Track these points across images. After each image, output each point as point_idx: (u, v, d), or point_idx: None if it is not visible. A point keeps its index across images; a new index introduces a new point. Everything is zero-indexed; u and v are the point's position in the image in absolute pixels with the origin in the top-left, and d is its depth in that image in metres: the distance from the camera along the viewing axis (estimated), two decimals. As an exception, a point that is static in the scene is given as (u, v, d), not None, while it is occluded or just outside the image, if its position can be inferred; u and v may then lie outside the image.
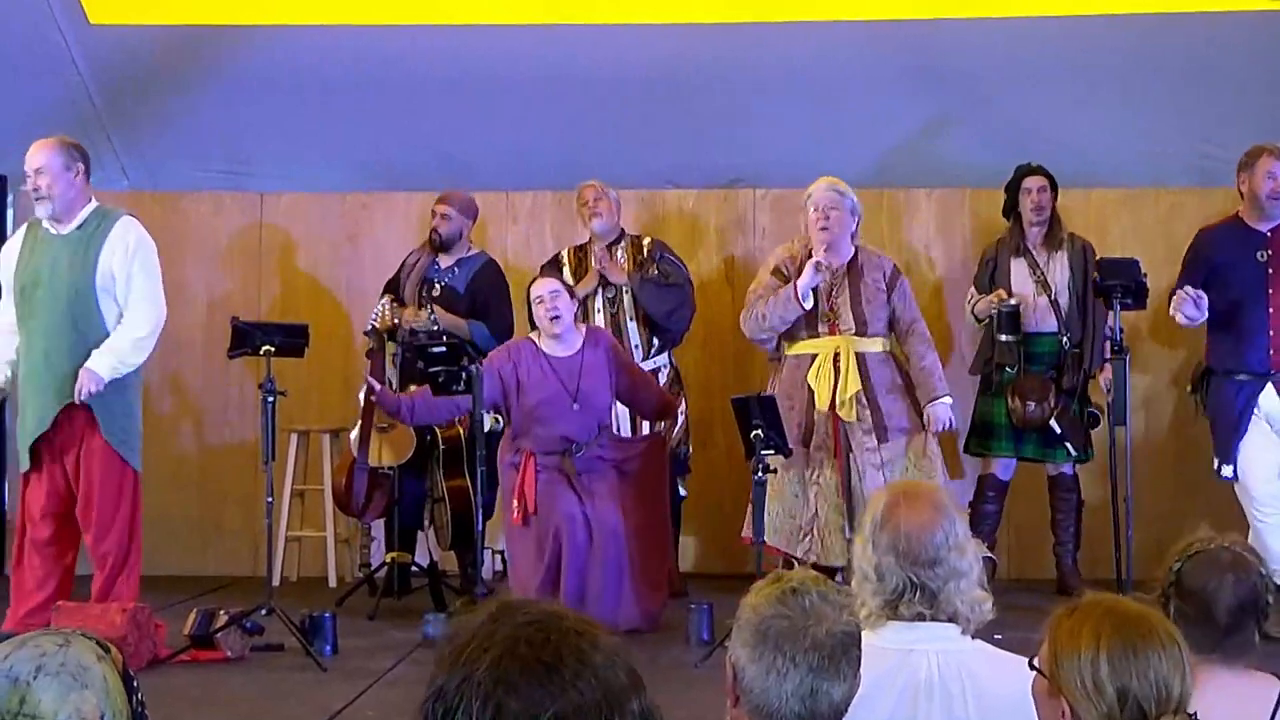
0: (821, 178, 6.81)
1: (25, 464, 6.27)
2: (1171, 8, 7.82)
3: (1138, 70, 7.91)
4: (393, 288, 7.58)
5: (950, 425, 6.69)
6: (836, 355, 6.55)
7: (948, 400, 6.65)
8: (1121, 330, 6.54)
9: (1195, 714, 2.23)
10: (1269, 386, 6.47)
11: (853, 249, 6.73)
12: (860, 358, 6.55)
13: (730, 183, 8.46)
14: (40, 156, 6.24)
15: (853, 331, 6.56)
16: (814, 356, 6.58)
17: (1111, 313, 6.67)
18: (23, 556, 6.30)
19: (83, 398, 6.09)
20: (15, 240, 6.40)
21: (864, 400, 6.51)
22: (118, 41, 8.10)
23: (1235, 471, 6.50)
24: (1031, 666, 2.37)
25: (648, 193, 8.37)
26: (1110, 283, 6.62)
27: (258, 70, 8.13)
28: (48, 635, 1.90)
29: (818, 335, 6.58)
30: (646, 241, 7.64)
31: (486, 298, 7.50)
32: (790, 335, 6.68)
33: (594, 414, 6.61)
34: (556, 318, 6.56)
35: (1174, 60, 7.85)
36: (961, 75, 8.03)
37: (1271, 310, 6.48)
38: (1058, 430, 7.18)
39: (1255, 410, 6.47)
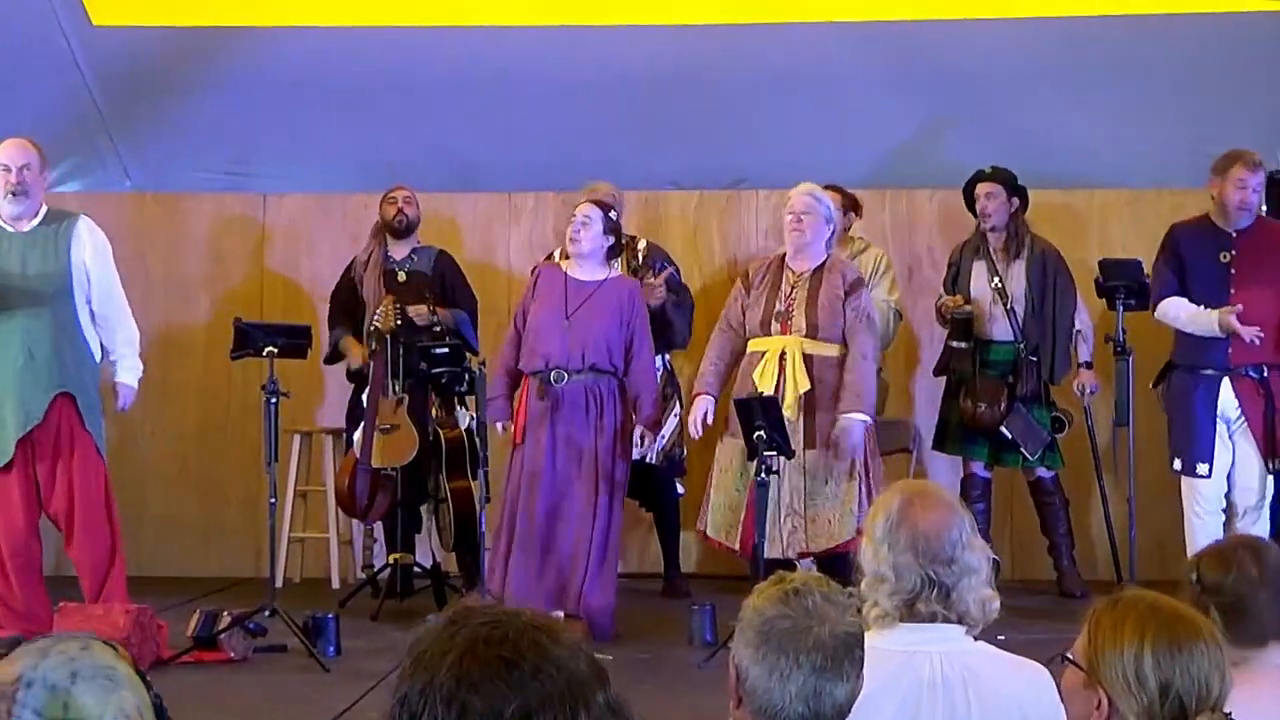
0: (802, 184, 6.79)
1: None
2: (1172, 9, 7.83)
3: (1139, 71, 7.91)
4: (347, 293, 7.54)
5: (852, 451, 6.38)
6: (783, 355, 6.53)
7: (856, 418, 6.38)
8: (1124, 331, 6.55)
9: (1231, 714, 2.24)
10: (1226, 382, 6.50)
11: (825, 255, 6.70)
12: (808, 360, 6.52)
13: (733, 184, 8.45)
14: (24, 154, 6.30)
15: (803, 333, 6.55)
16: (764, 354, 6.57)
17: (1114, 313, 6.68)
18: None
19: (123, 408, 6.46)
20: None
21: (802, 405, 6.49)
22: (121, 43, 8.11)
23: (1210, 470, 6.51)
24: (1065, 659, 2.38)
25: (650, 194, 8.37)
26: (1113, 283, 6.63)
27: (260, 72, 8.13)
28: (65, 640, 1.88)
29: (770, 334, 6.58)
30: (642, 246, 7.60)
31: (455, 281, 7.56)
32: (750, 331, 6.66)
33: (581, 341, 6.46)
34: (575, 242, 6.55)
35: (1176, 61, 7.85)
36: (964, 76, 8.03)
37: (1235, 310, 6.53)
38: (1009, 436, 7.19)
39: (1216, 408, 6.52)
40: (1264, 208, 7.29)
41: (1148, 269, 6.74)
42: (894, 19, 7.92)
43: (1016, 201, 7.38)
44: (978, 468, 7.46)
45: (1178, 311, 6.60)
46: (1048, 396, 7.34)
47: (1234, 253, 6.56)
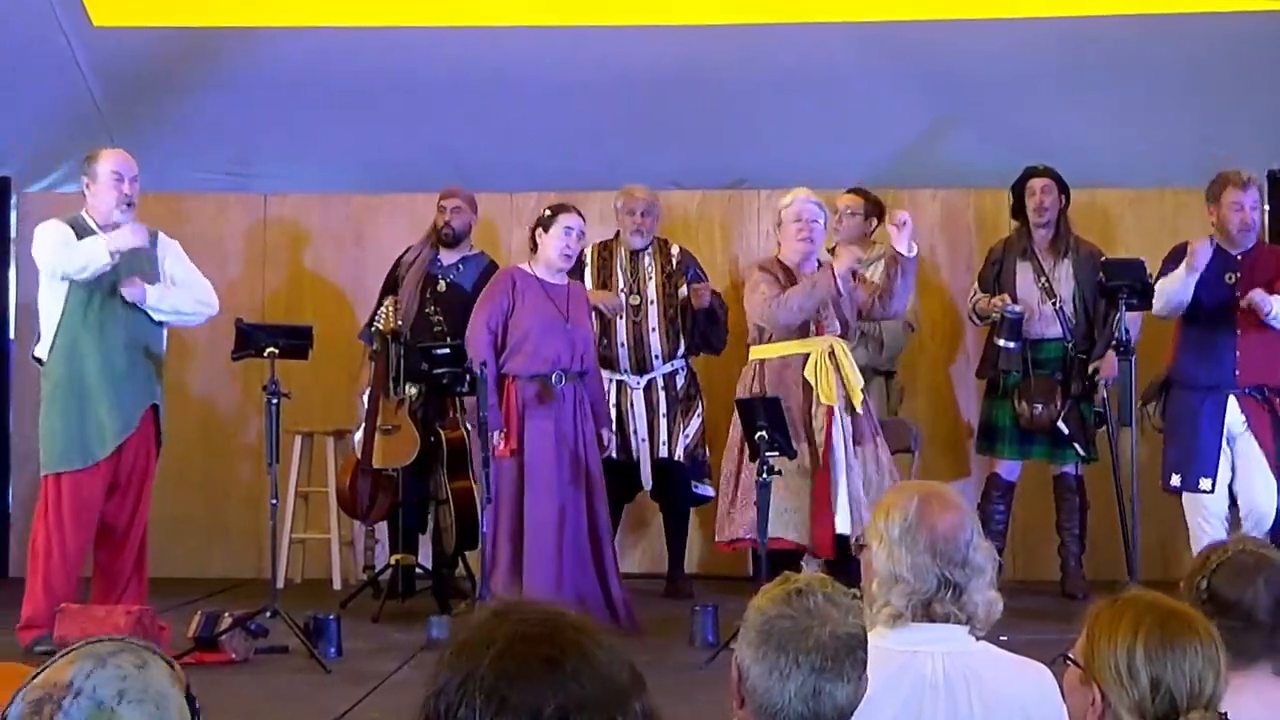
0: (798, 189, 6.82)
1: (79, 463, 6.21)
2: (1174, 9, 7.82)
3: (1142, 70, 7.90)
4: (391, 285, 7.55)
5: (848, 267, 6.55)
6: (831, 353, 6.58)
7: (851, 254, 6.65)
8: (1128, 331, 6.55)
9: (1225, 714, 2.24)
10: (1232, 400, 6.51)
11: (817, 258, 6.80)
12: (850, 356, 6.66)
13: (734, 184, 8.45)
14: (134, 165, 6.41)
15: (838, 333, 6.62)
16: (804, 356, 6.60)
17: (1118, 313, 6.67)
18: (51, 561, 6.21)
19: (128, 293, 6.26)
20: (65, 237, 6.26)
21: (847, 402, 6.57)
22: (121, 43, 8.11)
23: (1214, 485, 6.51)
24: (1066, 659, 2.39)
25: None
26: (1116, 283, 6.62)
27: (261, 72, 8.13)
28: (125, 652, 1.84)
29: (807, 335, 6.62)
30: (675, 251, 7.65)
31: None
32: (776, 337, 6.69)
33: (582, 340, 6.59)
34: (570, 257, 6.64)
35: (1178, 60, 7.84)
36: (965, 76, 8.03)
37: (1239, 331, 6.60)
38: (1065, 431, 7.20)
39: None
40: (1267, 205, 7.30)
41: (1151, 269, 6.74)
42: (896, 19, 7.91)
43: (1064, 199, 7.39)
44: (1005, 470, 7.45)
45: (1163, 285, 6.59)
46: (1093, 393, 7.34)
47: (1239, 275, 6.59)
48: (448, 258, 7.52)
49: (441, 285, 7.44)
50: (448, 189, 7.61)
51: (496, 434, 6.48)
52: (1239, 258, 6.65)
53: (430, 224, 7.63)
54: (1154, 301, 6.65)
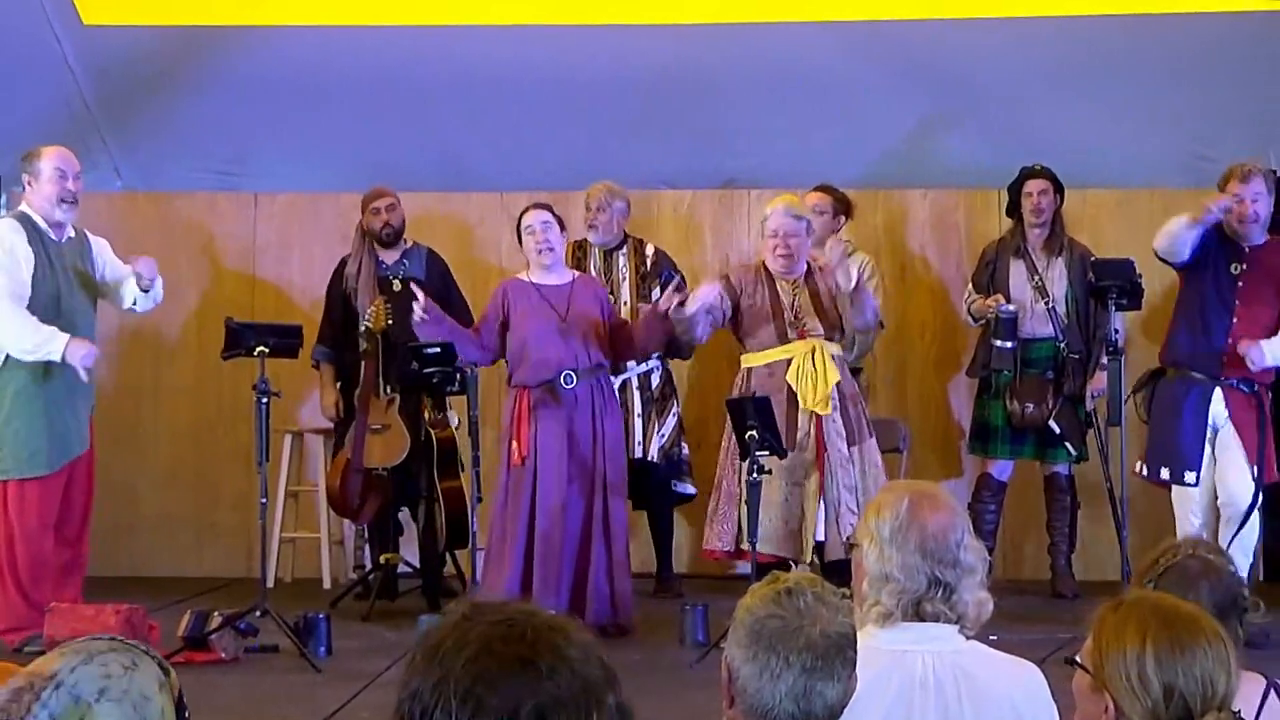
0: (778, 199, 6.81)
1: (35, 471, 6.17)
2: (1165, 9, 7.84)
3: (1132, 71, 7.91)
4: (338, 298, 7.52)
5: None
6: (812, 354, 6.58)
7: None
8: (1118, 331, 6.56)
9: (1239, 712, 2.24)
10: (1218, 392, 6.51)
11: (805, 263, 6.77)
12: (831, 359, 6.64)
13: (725, 183, 8.45)
14: (76, 161, 6.35)
15: (821, 335, 6.60)
16: (788, 361, 6.60)
17: (1107, 313, 6.68)
18: (21, 565, 6.18)
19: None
20: (17, 238, 6.20)
21: (838, 402, 6.56)
22: (111, 42, 8.10)
23: (1197, 478, 6.51)
24: (1072, 662, 2.38)
25: (643, 193, 8.35)
26: (1105, 283, 6.63)
27: (251, 71, 8.12)
28: (116, 652, 1.84)
29: (789, 341, 6.61)
30: (650, 251, 7.62)
31: (449, 283, 7.55)
32: (759, 344, 6.68)
33: (583, 340, 6.53)
34: (549, 249, 6.57)
35: (1168, 61, 7.86)
36: (957, 76, 8.04)
37: (1235, 321, 6.56)
38: (1057, 430, 7.21)
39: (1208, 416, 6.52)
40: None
41: (1140, 268, 6.75)
42: (888, 19, 7.92)
43: (1059, 199, 7.41)
44: (997, 470, 7.46)
45: (1170, 226, 6.54)
46: (1083, 397, 7.35)
47: (1244, 266, 6.58)
48: (389, 255, 7.50)
49: (396, 285, 7.39)
50: (374, 190, 7.55)
51: (511, 442, 6.49)
52: (1247, 250, 6.62)
53: (356, 232, 7.56)
54: (1158, 236, 6.60)
